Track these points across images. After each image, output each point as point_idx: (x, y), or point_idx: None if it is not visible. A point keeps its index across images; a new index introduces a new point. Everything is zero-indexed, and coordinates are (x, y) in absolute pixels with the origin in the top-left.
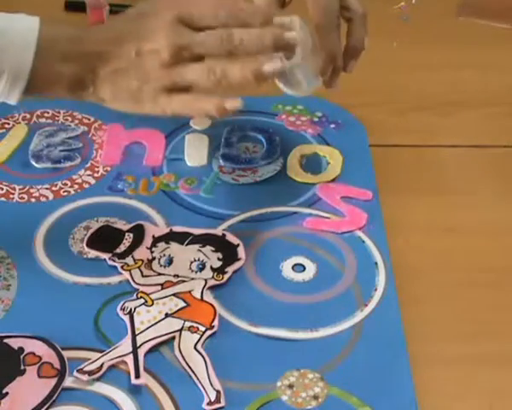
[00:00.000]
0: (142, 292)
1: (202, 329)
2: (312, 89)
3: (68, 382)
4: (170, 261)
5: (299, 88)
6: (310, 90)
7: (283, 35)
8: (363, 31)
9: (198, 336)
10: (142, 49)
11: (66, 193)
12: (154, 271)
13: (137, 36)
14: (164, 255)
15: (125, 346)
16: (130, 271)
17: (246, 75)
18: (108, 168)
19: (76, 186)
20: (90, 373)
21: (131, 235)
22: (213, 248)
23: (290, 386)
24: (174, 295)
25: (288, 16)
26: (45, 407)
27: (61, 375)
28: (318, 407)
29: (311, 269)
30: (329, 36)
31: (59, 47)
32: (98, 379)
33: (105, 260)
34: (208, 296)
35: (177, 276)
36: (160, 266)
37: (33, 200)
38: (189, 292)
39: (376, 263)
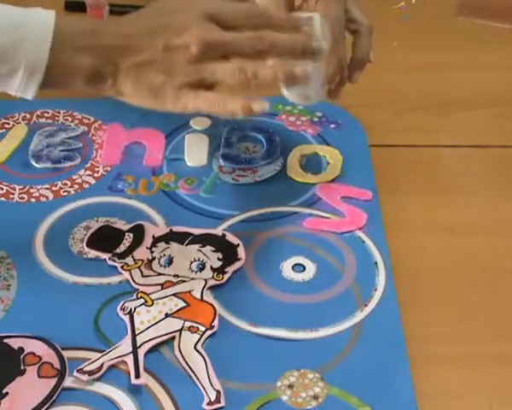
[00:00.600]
0: (142, 292)
1: (202, 329)
2: (319, 98)
3: (68, 382)
4: (170, 261)
5: (307, 96)
6: (316, 100)
7: (312, 43)
8: (368, 42)
9: (198, 336)
10: (170, 44)
11: (66, 193)
12: (154, 271)
13: (166, 30)
14: (164, 255)
15: (125, 346)
16: (130, 271)
17: (277, 76)
18: (108, 168)
19: (76, 186)
20: (90, 373)
21: (131, 235)
22: (213, 248)
23: (290, 386)
24: (174, 295)
25: (309, 13)
26: (45, 407)
27: (61, 375)
28: (318, 407)
29: (311, 269)
30: (339, 44)
31: (75, 40)
32: (98, 379)
33: (105, 260)
34: (208, 296)
35: (177, 276)
36: (160, 266)
37: (33, 200)
38: (189, 292)
39: (376, 263)
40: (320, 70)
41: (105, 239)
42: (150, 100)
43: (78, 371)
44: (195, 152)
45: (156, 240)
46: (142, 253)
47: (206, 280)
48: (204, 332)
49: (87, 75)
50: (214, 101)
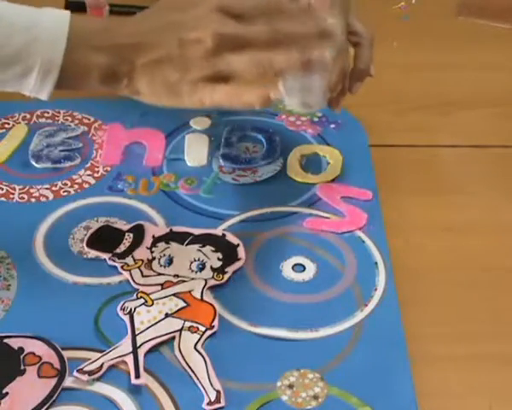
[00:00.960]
0: (142, 292)
1: (202, 329)
2: (319, 106)
3: (68, 382)
4: (170, 261)
5: (308, 104)
6: (317, 108)
7: (327, 23)
8: (370, 55)
9: (198, 336)
10: (184, 39)
11: (66, 193)
12: (154, 271)
13: (180, 26)
14: (164, 255)
15: (125, 346)
16: (130, 271)
17: (294, 64)
18: (108, 168)
19: (76, 186)
20: (90, 373)
21: (131, 235)
22: (213, 249)
23: (290, 386)
24: (174, 295)
25: None
26: (45, 407)
27: (60, 375)
28: (318, 407)
29: (311, 269)
30: (342, 53)
31: (90, 40)
32: (98, 379)
33: (105, 260)
34: (208, 296)
35: (177, 276)
36: (160, 266)
37: (33, 200)
38: (189, 292)
39: (376, 263)
40: (322, 78)
41: (105, 239)
42: (166, 97)
43: (78, 371)
44: (195, 152)
45: (156, 240)
46: (142, 253)
47: (206, 280)
48: (204, 332)
49: (102, 74)
50: (231, 93)
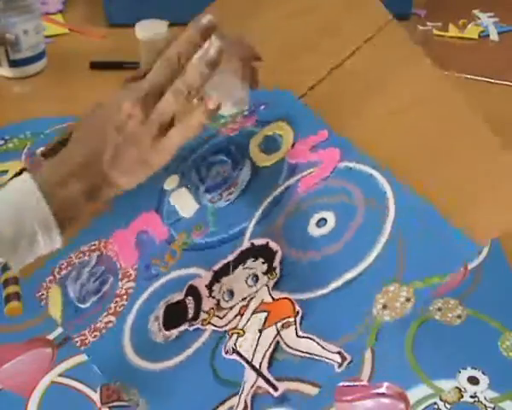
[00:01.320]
0: (231, 329)
1: (291, 320)
2: (246, 94)
3: None
4: (231, 293)
5: (237, 101)
6: (246, 98)
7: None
8: (248, 48)
9: (294, 327)
10: (118, 124)
11: (122, 307)
12: (225, 308)
13: (109, 119)
14: (224, 292)
15: (249, 376)
16: (209, 322)
17: (202, 71)
18: (135, 266)
19: (125, 297)
20: None
21: (191, 298)
22: (253, 259)
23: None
24: (253, 313)
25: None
26: None
27: None
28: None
29: (330, 218)
30: (236, 45)
31: (57, 177)
32: None
33: (187, 329)
34: (277, 294)
35: (245, 298)
36: (227, 301)
37: (104, 331)
38: (262, 302)
39: (372, 175)
40: (234, 75)
41: (175, 315)
42: (141, 171)
43: None
44: (185, 205)
45: (210, 286)
46: (207, 303)
47: (266, 285)
48: (295, 321)
49: (86, 195)
50: (182, 129)
